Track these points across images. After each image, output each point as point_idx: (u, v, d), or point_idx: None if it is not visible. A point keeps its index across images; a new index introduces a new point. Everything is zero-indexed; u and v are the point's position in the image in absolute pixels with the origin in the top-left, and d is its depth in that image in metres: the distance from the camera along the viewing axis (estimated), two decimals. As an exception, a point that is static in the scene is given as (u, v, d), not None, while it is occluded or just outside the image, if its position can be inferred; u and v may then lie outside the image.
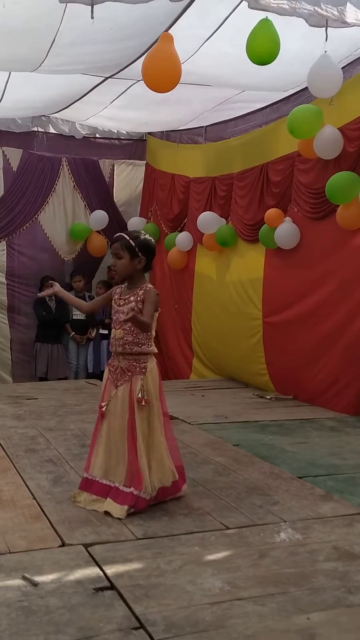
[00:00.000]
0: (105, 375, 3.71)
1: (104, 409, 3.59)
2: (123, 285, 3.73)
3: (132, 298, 3.60)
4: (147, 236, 3.72)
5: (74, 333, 9.15)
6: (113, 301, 3.71)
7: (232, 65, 5.62)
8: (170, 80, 4.65)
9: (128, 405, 3.53)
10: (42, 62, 5.57)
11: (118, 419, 3.55)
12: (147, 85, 4.78)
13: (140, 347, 3.58)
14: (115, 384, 3.60)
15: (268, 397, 6.83)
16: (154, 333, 3.64)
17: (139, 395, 3.50)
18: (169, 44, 4.56)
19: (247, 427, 5.56)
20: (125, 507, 3.41)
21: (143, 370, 3.56)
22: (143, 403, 3.50)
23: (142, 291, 3.59)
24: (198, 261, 8.35)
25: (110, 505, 3.44)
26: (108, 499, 3.47)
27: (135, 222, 9.20)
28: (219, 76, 6.05)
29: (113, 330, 3.67)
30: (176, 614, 2.44)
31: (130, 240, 3.59)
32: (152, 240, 3.74)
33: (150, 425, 3.54)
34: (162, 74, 4.64)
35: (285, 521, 3.40)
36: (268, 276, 7.01)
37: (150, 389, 3.56)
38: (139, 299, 3.58)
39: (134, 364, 3.58)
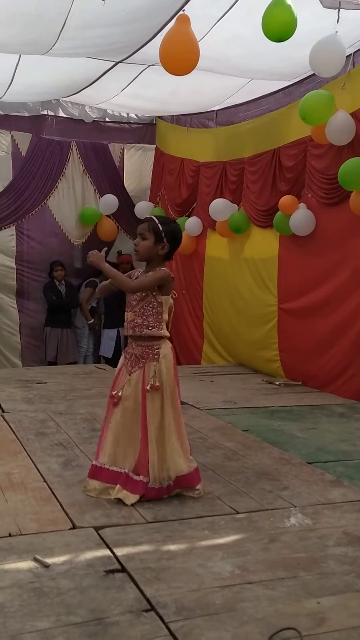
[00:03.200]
0: (120, 362, 3.69)
1: (117, 395, 3.54)
2: (140, 269, 3.71)
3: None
4: (176, 225, 3.70)
5: (93, 320, 9.17)
6: None
7: (244, 46, 5.57)
8: (188, 62, 4.60)
9: (141, 393, 3.50)
10: (53, 45, 5.53)
11: (131, 407, 3.52)
12: (164, 68, 4.72)
13: (150, 329, 3.55)
14: (129, 371, 3.57)
15: (277, 383, 6.82)
16: (166, 317, 3.61)
17: (151, 381, 3.48)
18: (186, 25, 4.50)
19: (257, 413, 5.56)
20: (137, 495, 3.40)
21: (156, 357, 3.53)
22: (148, 388, 3.46)
23: (153, 272, 3.56)
24: (208, 246, 8.30)
25: (120, 492, 3.43)
26: (118, 485, 3.46)
27: (142, 207, 9.17)
28: (230, 59, 5.98)
29: (126, 313, 3.65)
30: (187, 597, 2.45)
31: (159, 225, 3.57)
32: (181, 231, 3.73)
33: (164, 413, 3.50)
34: (180, 56, 4.59)
35: (295, 506, 3.41)
36: (283, 262, 6.97)
37: (164, 375, 3.52)
38: None
39: (147, 350, 3.55)
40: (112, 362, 8.42)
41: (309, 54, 5.13)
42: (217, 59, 5.82)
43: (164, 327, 3.60)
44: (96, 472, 3.56)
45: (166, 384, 3.52)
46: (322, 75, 5.50)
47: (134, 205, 9.39)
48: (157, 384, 3.48)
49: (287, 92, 7.06)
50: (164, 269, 3.59)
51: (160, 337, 3.58)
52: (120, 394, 3.53)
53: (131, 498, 3.40)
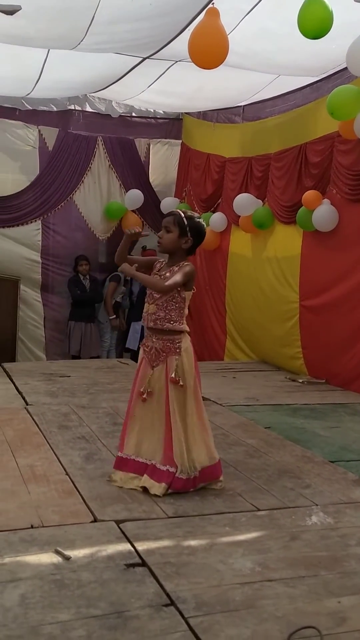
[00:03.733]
0: (140, 355, 3.70)
1: (144, 394, 3.55)
2: (164, 261, 3.72)
3: (167, 274, 3.58)
4: (201, 221, 3.71)
5: (114, 316, 9.21)
6: (151, 275, 3.69)
7: (272, 41, 5.52)
8: (217, 56, 4.58)
9: (164, 386, 3.52)
10: (82, 40, 5.54)
11: (155, 400, 3.54)
12: (193, 61, 4.71)
13: (172, 323, 3.55)
14: (151, 365, 3.58)
15: (300, 380, 6.79)
16: (186, 311, 3.62)
17: (173, 375, 3.49)
18: (216, 18, 4.48)
19: (279, 410, 5.54)
20: (163, 484, 3.43)
21: (178, 350, 3.55)
22: (181, 383, 3.48)
23: (178, 267, 3.57)
24: (232, 242, 8.28)
25: (147, 481, 3.47)
26: (145, 475, 3.50)
27: (168, 202, 9.17)
28: (258, 53, 5.94)
29: (146, 304, 3.65)
30: (207, 593, 2.45)
31: (184, 219, 3.59)
32: (205, 227, 3.73)
33: (187, 406, 3.52)
34: (209, 49, 4.57)
35: (317, 505, 3.39)
36: (305, 259, 6.93)
37: (186, 368, 3.54)
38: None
39: (168, 344, 3.56)
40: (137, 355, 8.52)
41: (345, 50, 5.10)
42: (244, 54, 5.78)
43: (185, 321, 3.61)
44: (121, 464, 3.60)
45: (189, 377, 3.54)
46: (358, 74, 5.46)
47: (159, 201, 9.41)
48: (178, 377, 3.49)
49: (315, 87, 7.00)
50: (190, 264, 3.60)
51: (182, 331, 3.59)
52: (148, 390, 3.54)
53: (157, 488, 3.42)
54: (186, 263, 3.59)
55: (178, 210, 3.69)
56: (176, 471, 3.46)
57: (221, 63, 4.67)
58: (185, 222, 3.58)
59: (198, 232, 3.63)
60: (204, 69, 4.85)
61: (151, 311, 3.61)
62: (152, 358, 3.59)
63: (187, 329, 3.64)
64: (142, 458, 3.56)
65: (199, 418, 3.58)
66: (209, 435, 3.64)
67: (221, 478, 3.60)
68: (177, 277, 3.51)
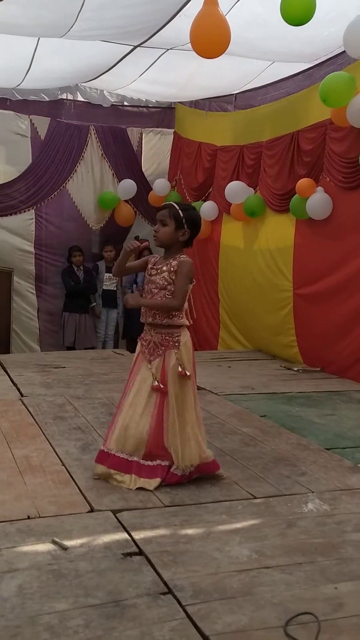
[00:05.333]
0: (138, 349, 3.66)
1: (160, 386, 3.48)
2: (159, 255, 3.69)
3: (164, 268, 3.55)
4: (197, 213, 3.69)
5: (95, 304, 9.17)
6: (147, 270, 3.65)
7: (264, 28, 5.50)
8: (219, 44, 4.55)
9: (160, 380, 3.49)
10: (71, 27, 5.50)
11: (146, 393, 3.50)
12: (195, 51, 4.68)
13: (172, 319, 3.53)
14: (148, 359, 3.54)
15: (295, 369, 6.80)
16: (186, 305, 3.59)
17: (179, 369, 3.45)
18: (214, 7, 4.46)
19: (274, 399, 5.55)
20: (158, 479, 3.41)
21: (177, 344, 3.51)
22: (187, 373, 3.45)
23: (176, 262, 3.53)
24: (224, 231, 8.26)
25: (139, 481, 3.41)
26: (133, 475, 3.43)
27: (161, 184, 9.17)
28: (250, 40, 5.91)
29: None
30: (204, 581, 2.46)
31: (180, 211, 3.54)
32: (200, 218, 3.71)
33: (187, 401, 3.49)
34: (212, 39, 4.54)
35: (313, 492, 3.40)
36: (299, 247, 6.92)
37: (185, 362, 3.50)
38: (172, 269, 3.52)
39: (167, 338, 3.53)
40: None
41: (337, 37, 5.09)
42: (236, 41, 5.74)
43: (184, 315, 3.58)
44: (103, 458, 3.53)
45: (188, 371, 3.50)
46: (356, 57, 5.43)
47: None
48: (184, 370, 3.46)
49: (307, 74, 6.99)
50: (187, 258, 3.57)
51: (181, 325, 3.56)
52: (158, 384, 3.47)
53: (152, 483, 3.40)
54: (183, 258, 3.54)
55: (172, 203, 3.64)
56: (170, 466, 3.44)
57: (224, 51, 4.64)
58: (181, 215, 3.53)
59: (194, 224, 3.60)
60: (207, 58, 4.82)
61: None
62: (150, 352, 3.55)
63: (187, 322, 3.60)
64: (123, 454, 3.47)
65: (196, 414, 3.55)
66: (203, 432, 3.61)
67: (219, 472, 3.56)
68: (183, 285, 3.49)
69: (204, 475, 3.53)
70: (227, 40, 4.55)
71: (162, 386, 3.47)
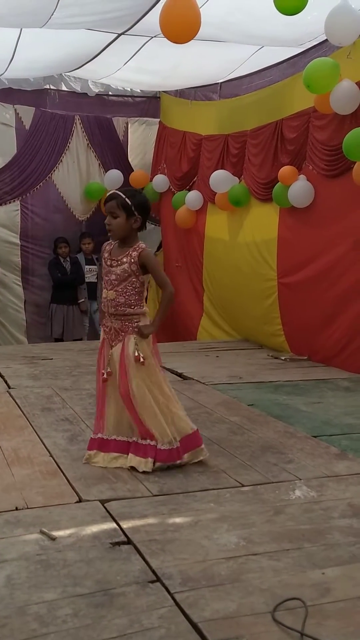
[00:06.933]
0: (101, 336, 3.70)
1: (108, 372, 3.58)
2: (113, 243, 3.65)
3: (125, 260, 3.53)
4: (144, 195, 3.66)
5: (83, 300, 9.13)
6: (103, 260, 3.64)
7: (247, 12, 5.47)
8: (189, 30, 4.52)
9: (119, 365, 3.52)
10: (52, 15, 5.44)
11: (115, 379, 3.56)
12: (165, 36, 4.65)
13: (133, 308, 3.54)
14: (110, 345, 3.59)
15: (283, 357, 6.82)
16: (146, 293, 3.63)
17: (136, 353, 3.49)
18: None
19: (262, 388, 5.57)
20: (150, 459, 3.45)
21: (136, 330, 3.54)
22: (141, 360, 3.48)
23: (136, 252, 3.52)
24: (208, 220, 8.24)
25: (134, 459, 3.48)
26: (130, 454, 3.52)
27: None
28: (233, 24, 5.86)
29: (105, 290, 3.62)
30: (192, 568, 2.47)
31: (127, 199, 3.50)
32: (148, 199, 3.70)
33: (148, 381, 3.53)
34: (181, 23, 4.51)
35: (300, 479, 3.42)
36: (282, 236, 6.93)
37: (144, 347, 3.53)
38: (132, 260, 3.51)
39: (127, 323, 3.55)
40: None
41: (321, 22, 5.07)
42: (219, 24, 5.72)
43: (144, 303, 3.62)
44: (102, 444, 3.59)
45: (146, 355, 3.53)
46: (341, 44, 5.42)
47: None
48: (139, 354, 3.49)
49: (291, 62, 6.95)
50: (143, 246, 3.56)
51: (141, 313, 3.58)
52: (109, 370, 3.56)
53: (145, 464, 3.45)
54: (142, 250, 3.53)
55: (117, 192, 3.57)
56: (157, 443, 3.48)
57: (194, 36, 4.61)
58: (129, 202, 3.50)
59: (144, 208, 3.57)
60: (177, 43, 4.79)
61: (110, 297, 3.57)
62: (112, 338, 3.59)
63: (147, 309, 3.63)
64: (123, 437, 3.58)
65: (161, 393, 3.58)
66: (179, 408, 3.66)
67: (202, 446, 3.63)
68: (161, 274, 3.64)
69: (191, 452, 3.57)
70: (197, 24, 4.51)
71: (105, 376, 3.55)
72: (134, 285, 3.53)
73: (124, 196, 3.51)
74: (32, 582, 2.36)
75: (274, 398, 5.20)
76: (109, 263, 3.59)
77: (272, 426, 4.38)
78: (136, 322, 3.55)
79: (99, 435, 3.63)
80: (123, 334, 3.55)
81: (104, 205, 3.60)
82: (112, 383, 3.60)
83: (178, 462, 3.52)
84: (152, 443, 3.49)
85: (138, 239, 3.62)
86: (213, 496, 3.18)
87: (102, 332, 3.68)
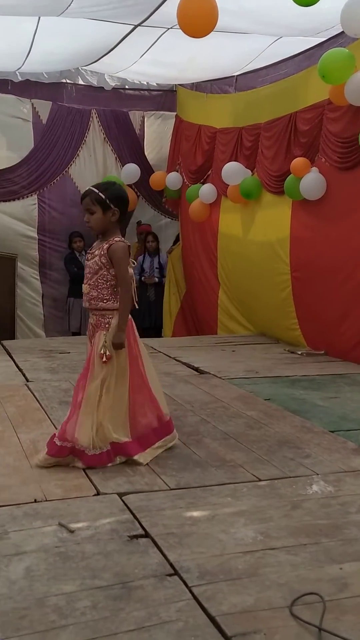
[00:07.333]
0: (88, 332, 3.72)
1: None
2: (97, 241, 3.66)
3: (96, 252, 3.54)
4: (117, 186, 3.64)
5: None
6: (85, 257, 3.65)
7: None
8: (206, 23, 4.50)
9: (87, 360, 3.53)
10: (70, 4, 5.43)
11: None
12: (182, 30, 4.63)
13: (105, 302, 3.52)
14: (90, 342, 3.60)
15: (299, 352, 6.80)
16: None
17: (101, 351, 3.46)
18: None
19: (278, 382, 5.56)
20: (46, 455, 3.43)
21: (107, 326, 3.52)
22: (104, 359, 3.44)
23: (107, 245, 3.50)
24: (222, 213, 8.23)
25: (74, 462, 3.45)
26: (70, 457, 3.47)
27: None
28: (250, 12, 5.82)
29: (83, 284, 3.65)
30: (210, 562, 2.48)
31: (100, 193, 3.50)
32: (124, 190, 3.65)
33: (108, 382, 3.47)
34: (198, 14, 4.49)
35: (317, 474, 3.42)
36: (295, 229, 6.88)
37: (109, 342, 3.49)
38: (102, 253, 3.50)
39: (100, 319, 3.54)
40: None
41: (337, 11, 5.03)
42: (236, 11, 5.67)
43: (117, 299, 3.55)
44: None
45: (118, 354, 3.50)
46: (352, 35, 5.37)
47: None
48: (108, 353, 3.45)
49: (307, 55, 6.91)
50: (117, 240, 3.51)
51: (114, 309, 3.55)
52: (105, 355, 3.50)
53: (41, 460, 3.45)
54: (114, 243, 3.49)
55: (90, 188, 3.57)
56: (85, 448, 3.41)
57: (211, 31, 4.59)
58: (103, 197, 3.49)
59: (120, 199, 3.55)
60: (194, 37, 4.78)
61: (85, 291, 3.59)
62: (90, 333, 3.61)
63: (116, 306, 3.55)
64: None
65: (119, 397, 3.51)
66: (122, 416, 3.55)
67: (136, 457, 3.50)
68: (123, 272, 3.49)
69: (125, 457, 3.49)
70: (214, 16, 4.48)
71: (109, 354, 3.49)
72: (105, 279, 3.51)
73: (97, 191, 3.52)
74: (51, 573, 2.38)
75: (290, 393, 5.19)
76: (87, 257, 3.64)
77: (288, 421, 4.38)
78: (109, 317, 3.52)
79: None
80: (98, 329, 3.54)
81: (81, 203, 3.60)
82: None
83: (109, 464, 3.45)
84: (69, 445, 3.41)
85: (118, 232, 3.59)
86: (230, 490, 3.19)
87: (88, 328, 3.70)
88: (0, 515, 2.85)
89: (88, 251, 3.66)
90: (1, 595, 2.23)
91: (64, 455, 3.43)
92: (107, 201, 3.50)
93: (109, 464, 3.46)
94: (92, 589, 2.28)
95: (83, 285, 3.63)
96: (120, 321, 3.51)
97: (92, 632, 2.04)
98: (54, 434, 3.53)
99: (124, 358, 3.55)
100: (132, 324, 3.63)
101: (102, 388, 3.48)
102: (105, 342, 3.49)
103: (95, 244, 3.65)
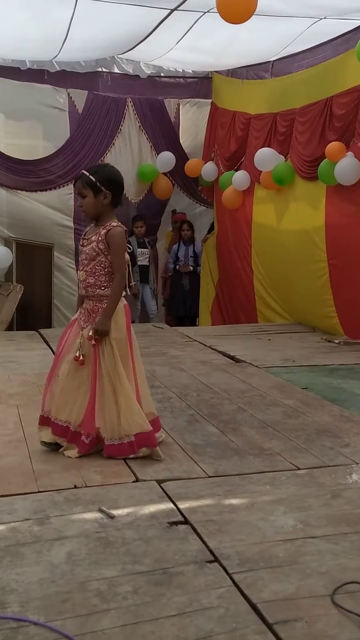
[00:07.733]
0: (74, 316, 3.64)
1: (80, 358, 3.44)
2: (91, 225, 3.59)
3: (93, 238, 3.47)
4: (109, 168, 3.57)
5: (135, 283, 9.17)
6: (80, 241, 3.58)
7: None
8: (246, 8, 4.44)
9: (91, 349, 3.43)
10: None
11: (86, 363, 3.46)
12: (221, 16, 4.57)
13: (103, 289, 3.47)
14: (81, 326, 3.51)
15: (336, 341, 6.73)
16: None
17: (90, 333, 3.40)
18: None
19: (315, 371, 5.51)
20: (76, 450, 3.42)
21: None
22: (93, 342, 3.38)
23: (105, 230, 3.43)
24: (256, 200, 8.16)
25: (69, 450, 3.44)
26: (67, 443, 3.45)
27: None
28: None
29: (78, 271, 3.59)
30: (250, 550, 2.48)
31: (90, 176, 3.43)
32: (116, 172, 3.56)
33: (117, 368, 3.42)
34: (238, 5, 4.44)
35: (357, 463, 3.39)
36: (330, 216, 6.79)
37: (113, 330, 3.43)
38: (100, 239, 3.44)
39: (98, 304, 3.48)
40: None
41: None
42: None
43: None
44: (46, 421, 3.54)
45: (118, 339, 3.45)
46: None
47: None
48: (95, 337, 3.39)
49: (345, 39, 6.78)
50: (114, 225, 3.45)
51: None
52: (82, 353, 3.44)
53: (71, 452, 3.42)
54: (112, 228, 3.43)
55: (82, 171, 3.51)
56: (105, 438, 3.40)
57: (250, 16, 4.53)
58: (94, 179, 3.41)
59: (112, 181, 3.47)
60: (232, 23, 4.72)
61: (82, 278, 3.53)
62: (84, 319, 3.52)
63: (123, 292, 3.52)
64: (62, 421, 3.46)
65: (127, 382, 3.45)
66: (138, 403, 3.48)
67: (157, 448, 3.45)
68: (120, 260, 3.42)
69: (148, 449, 3.42)
70: (254, 2, 4.42)
71: (81, 358, 3.42)
72: (102, 265, 3.45)
73: (87, 174, 3.46)
74: (92, 558, 2.41)
75: (328, 382, 5.14)
76: (82, 243, 3.55)
77: (327, 410, 4.34)
78: (107, 303, 3.47)
79: (41, 412, 3.56)
80: (94, 315, 3.47)
81: (74, 187, 3.53)
82: (68, 363, 3.49)
83: (131, 455, 3.40)
84: (87, 441, 3.40)
85: (114, 217, 3.52)
86: (269, 479, 3.18)
87: (77, 312, 3.60)
88: (41, 501, 2.89)
89: (83, 237, 3.57)
90: (44, 579, 2.26)
91: (94, 447, 3.45)
92: (98, 184, 3.42)
93: (131, 456, 3.40)
94: (133, 574, 2.30)
95: (78, 272, 3.57)
96: (108, 308, 3.45)
97: (134, 617, 2.05)
98: (70, 430, 3.45)
99: (125, 341, 3.49)
100: (127, 313, 3.56)
101: (115, 377, 3.42)
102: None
103: (89, 229, 3.58)
